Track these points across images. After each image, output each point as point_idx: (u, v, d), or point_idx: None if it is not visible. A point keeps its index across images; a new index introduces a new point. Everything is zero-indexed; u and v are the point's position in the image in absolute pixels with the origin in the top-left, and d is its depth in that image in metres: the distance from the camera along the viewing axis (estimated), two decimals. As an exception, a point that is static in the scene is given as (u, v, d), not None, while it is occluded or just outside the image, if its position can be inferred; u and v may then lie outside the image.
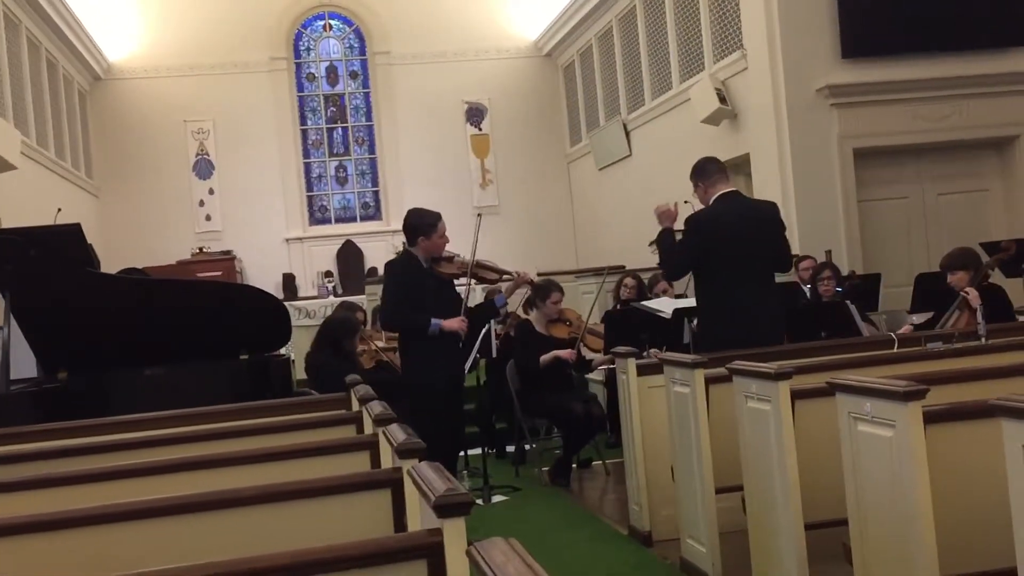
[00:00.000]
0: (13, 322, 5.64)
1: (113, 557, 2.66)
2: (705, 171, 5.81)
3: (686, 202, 11.02)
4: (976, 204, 10.07)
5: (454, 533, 2.10)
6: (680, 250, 5.81)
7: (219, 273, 14.43)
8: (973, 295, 6.02)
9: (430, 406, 5.96)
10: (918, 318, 6.90)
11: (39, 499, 3.15)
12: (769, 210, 5.88)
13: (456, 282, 6.38)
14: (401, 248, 6.42)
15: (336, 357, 6.94)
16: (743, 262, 5.55)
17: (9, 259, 5.44)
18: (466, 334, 6.21)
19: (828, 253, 8.98)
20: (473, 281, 6.41)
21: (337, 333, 7.16)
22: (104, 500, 2.91)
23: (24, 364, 5.92)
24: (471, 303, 6.54)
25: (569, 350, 7.43)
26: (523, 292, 7.87)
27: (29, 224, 8.12)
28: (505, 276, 6.51)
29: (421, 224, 6.12)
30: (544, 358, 7.38)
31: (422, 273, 6.12)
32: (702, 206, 5.84)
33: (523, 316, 8.13)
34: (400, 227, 6.62)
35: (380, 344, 8.03)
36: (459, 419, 6.54)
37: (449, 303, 6.20)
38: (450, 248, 6.29)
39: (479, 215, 6.35)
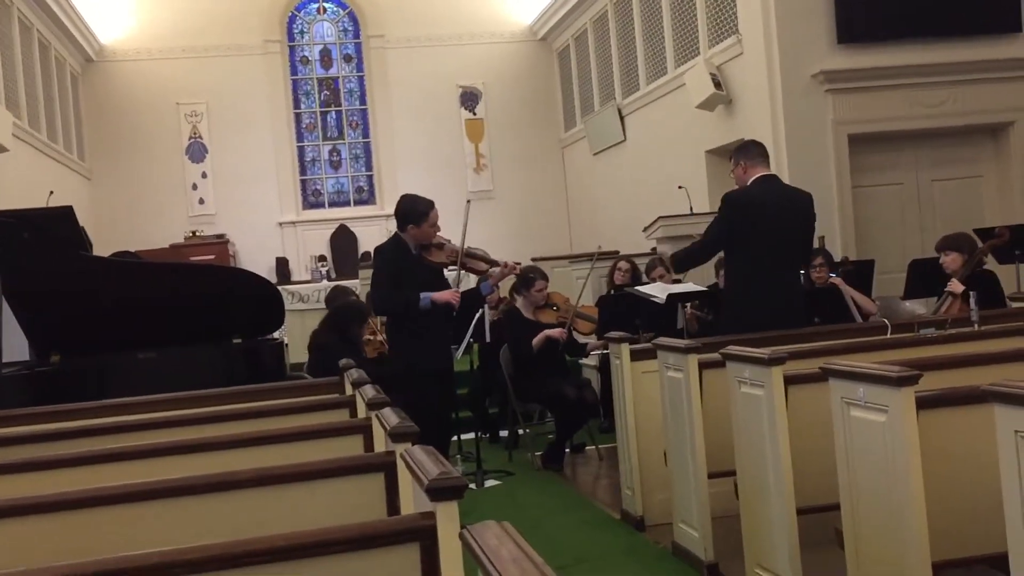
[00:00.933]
0: (5, 305, 5.62)
1: (106, 540, 2.66)
2: (748, 151, 5.80)
3: (680, 187, 11.06)
4: (970, 190, 10.07)
5: (447, 516, 2.11)
6: (715, 227, 5.79)
7: (212, 257, 14.39)
8: (955, 284, 6.06)
9: (420, 390, 5.95)
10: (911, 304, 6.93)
11: (31, 482, 3.15)
12: (805, 200, 5.83)
13: (446, 270, 6.35)
14: (393, 232, 6.39)
15: (342, 342, 6.93)
16: (775, 246, 5.57)
17: (1, 242, 5.42)
18: (457, 310, 6.18)
19: (821, 239, 8.97)
20: (462, 271, 6.38)
21: (347, 319, 7.14)
22: (97, 483, 2.91)
23: (16, 347, 5.91)
24: (463, 289, 6.52)
25: (559, 329, 7.45)
26: (511, 279, 7.87)
27: (21, 207, 8.10)
28: (494, 267, 6.48)
29: (412, 212, 6.08)
30: (536, 340, 7.39)
31: (410, 259, 6.09)
32: (736, 186, 5.81)
33: (512, 301, 8.13)
34: (393, 213, 6.60)
35: (382, 338, 7.99)
36: (450, 403, 6.54)
37: (437, 289, 6.15)
38: (442, 234, 6.26)
39: (468, 201, 6.31)
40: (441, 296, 6.02)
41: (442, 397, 6.20)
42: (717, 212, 5.86)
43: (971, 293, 5.21)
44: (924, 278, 7.04)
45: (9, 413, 4.32)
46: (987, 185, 10.12)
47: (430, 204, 6.10)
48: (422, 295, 5.98)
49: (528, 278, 7.60)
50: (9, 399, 5.10)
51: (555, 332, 7.42)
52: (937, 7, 9.43)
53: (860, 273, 7.91)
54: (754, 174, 5.72)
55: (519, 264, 6.94)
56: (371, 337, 7.79)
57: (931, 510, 3.18)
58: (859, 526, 3.50)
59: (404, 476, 2.69)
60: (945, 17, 9.45)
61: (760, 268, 5.57)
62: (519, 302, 7.73)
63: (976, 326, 4.95)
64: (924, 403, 3.20)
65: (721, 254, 6.18)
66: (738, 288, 5.73)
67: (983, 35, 9.57)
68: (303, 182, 17.11)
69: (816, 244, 8.66)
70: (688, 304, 6.94)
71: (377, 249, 6.55)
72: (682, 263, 6.22)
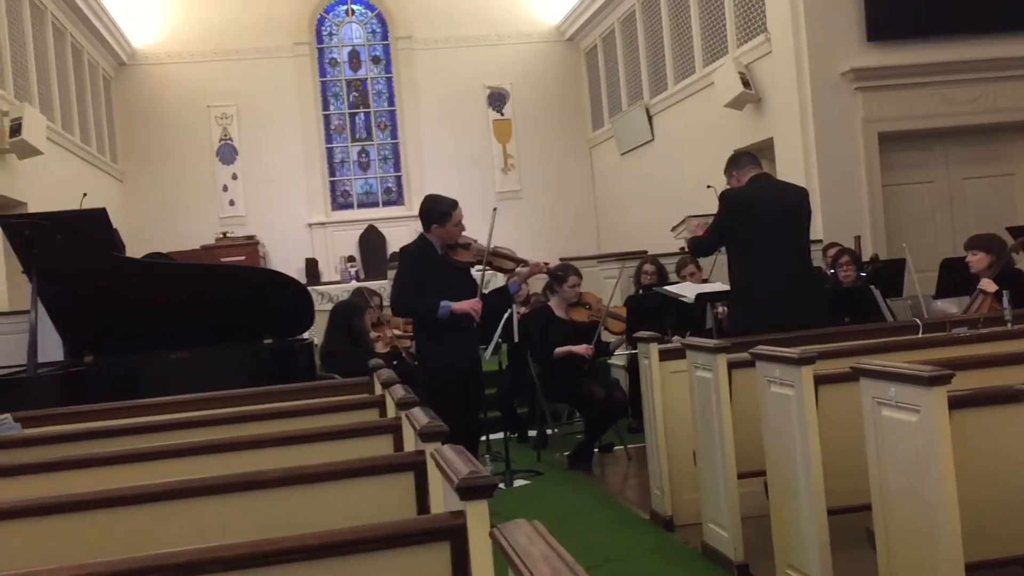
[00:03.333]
0: (40, 306, 5.69)
1: (137, 538, 2.68)
2: (737, 162, 6.04)
3: (708, 187, 11.02)
4: (1002, 188, 9.97)
5: (477, 515, 2.11)
6: (715, 224, 5.93)
7: (243, 258, 14.48)
8: (987, 283, 6.02)
9: (446, 390, 5.89)
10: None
11: (64, 480, 3.18)
12: (799, 193, 6.02)
13: (473, 269, 6.31)
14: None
15: (350, 341, 6.97)
16: (773, 237, 5.65)
17: (36, 244, 5.49)
18: (480, 317, 6.09)
19: (857, 239, 8.90)
20: (488, 269, 6.33)
21: (344, 317, 7.17)
22: (129, 482, 2.94)
23: (51, 348, 5.98)
24: (490, 289, 6.50)
25: (585, 346, 7.37)
26: (543, 278, 7.86)
27: (55, 209, 8.20)
28: (521, 266, 6.44)
29: (435, 211, 6.04)
30: (558, 351, 7.33)
31: (437, 259, 6.04)
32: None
33: (544, 299, 8.11)
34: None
35: (396, 332, 8.03)
36: (477, 403, 6.50)
37: (463, 289, 6.08)
38: (469, 234, 6.22)
39: (494, 209, 6.29)
40: (461, 306, 5.92)
41: (470, 397, 6.18)
42: (717, 211, 5.99)
43: (1004, 292, 5.17)
44: (956, 277, 6.98)
45: (44, 412, 4.37)
46: (1019, 182, 10.01)
47: (453, 203, 6.06)
48: (441, 304, 5.88)
49: (561, 274, 7.59)
50: (44, 399, 5.16)
51: (580, 349, 7.35)
52: (968, 3, 9.35)
53: (890, 272, 7.85)
54: (747, 177, 5.90)
55: (547, 263, 6.91)
56: (379, 334, 7.81)
57: (964, 510, 3.15)
58: (890, 527, 3.48)
59: (434, 475, 2.70)
60: (975, 13, 9.37)
61: (761, 259, 5.68)
62: (552, 301, 7.71)
63: (1009, 325, 4.90)
64: (956, 403, 3.18)
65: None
66: (743, 280, 5.83)
67: (1014, 32, 9.47)
68: (332, 183, 17.19)
69: (852, 244, 8.63)
70: (718, 304, 6.91)
71: (403, 249, 6.52)
72: (694, 249, 6.49)
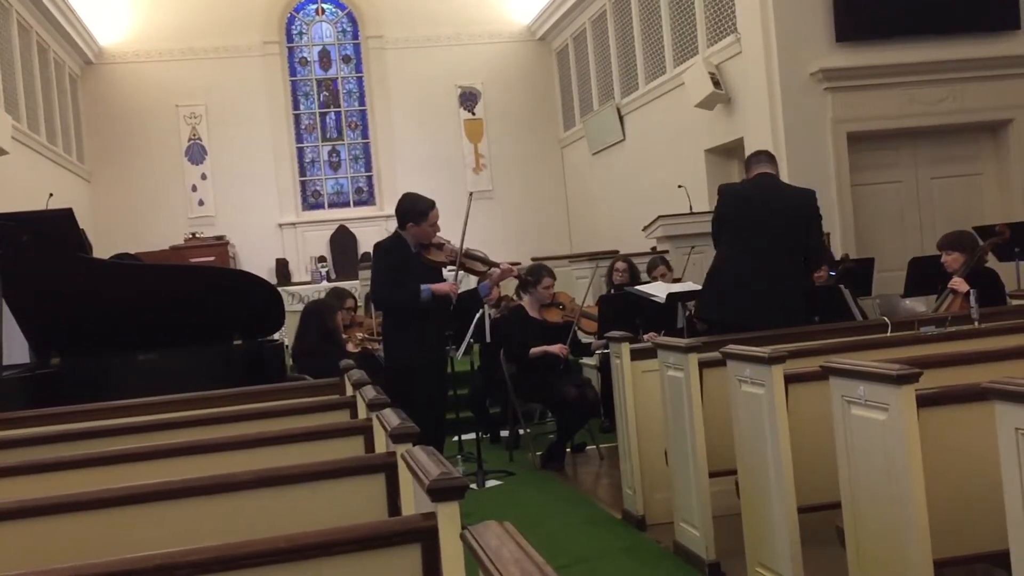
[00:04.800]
0: (5, 308, 5.62)
1: (107, 542, 2.66)
2: (752, 158, 6.15)
3: (680, 186, 11.07)
4: (970, 188, 10.06)
5: (448, 517, 2.11)
6: (713, 223, 6.08)
7: (212, 258, 14.39)
8: (958, 283, 6.06)
9: (414, 388, 5.97)
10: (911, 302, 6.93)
11: (32, 484, 3.15)
12: (800, 197, 5.98)
13: (444, 270, 6.40)
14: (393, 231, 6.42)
15: (322, 340, 6.95)
16: (754, 239, 5.67)
17: (1, 244, 5.42)
18: (455, 306, 6.31)
19: (827, 236, 8.95)
20: (460, 271, 6.42)
21: (317, 315, 7.15)
22: (98, 485, 2.91)
23: (16, 350, 5.91)
24: (461, 290, 6.56)
25: (560, 345, 7.40)
26: (514, 280, 7.88)
27: (20, 209, 8.10)
28: (492, 269, 6.51)
29: (413, 211, 6.13)
30: (534, 351, 7.36)
31: (410, 257, 6.16)
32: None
33: (516, 300, 8.12)
34: (393, 212, 6.62)
35: (363, 335, 8.01)
36: (444, 397, 6.54)
37: None
38: (442, 234, 6.29)
39: (470, 194, 6.36)
40: (441, 288, 6.13)
41: (436, 394, 6.23)
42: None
43: (971, 291, 5.21)
44: (924, 276, 7.04)
45: (10, 416, 4.32)
46: (987, 182, 10.11)
47: (431, 204, 6.15)
48: (423, 287, 6.07)
49: (536, 275, 7.60)
50: (10, 401, 5.10)
51: (555, 348, 7.38)
52: (936, 5, 9.43)
53: (860, 271, 7.90)
54: (751, 174, 6.00)
55: (518, 264, 6.96)
56: (348, 336, 7.78)
57: (932, 508, 3.18)
58: (860, 524, 3.50)
59: (405, 477, 2.69)
60: (944, 14, 9.45)
61: (738, 251, 5.75)
62: (525, 300, 7.72)
63: (976, 324, 4.95)
64: (924, 401, 3.20)
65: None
66: (715, 266, 5.98)
67: (982, 32, 9.57)
68: (303, 183, 17.12)
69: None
70: (689, 303, 6.93)
71: (377, 245, 6.55)
72: None
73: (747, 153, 10.28)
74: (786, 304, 5.75)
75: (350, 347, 7.61)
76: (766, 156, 6.12)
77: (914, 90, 9.57)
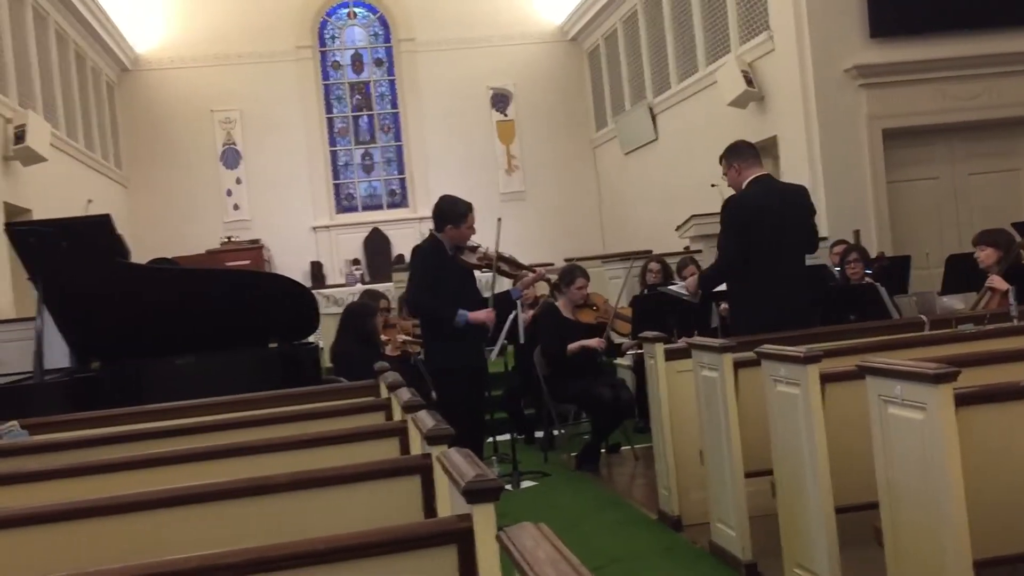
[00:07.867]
0: (46, 313, 5.70)
1: (146, 544, 2.69)
2: (740, 152, 5.73)
3: (713, 186, 11.02)
4: (1007, 183, 9.95)
5: (484, 518, 2.11)
6: (725, 242, 5.69)
7: (247, 262, 14.51)
8: (997, 281, 5.98)
9: (454, 389, 6.03)
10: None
11: (71, 487, 3.18)
12: (799, 194, 5.86)
13: (477, 272, 6.43)
14: (428, 233, 6.45)
15: (360, 343, 6.98)
16: (777, 247, 5.52)
17: (41, 250, 5.50)
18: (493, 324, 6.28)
19: (856, 233, 8.90)
20: (495, 274, 6.44)
21: (357, 318, 7.18)
22: (136, 488, 2.94)
23: (57, 354, 5.99)
24: (496, 291, 6.56)
25: (598, 339, 7.40)
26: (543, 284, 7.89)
27: (60, 215, 8.21)
28: (524, 271, 6.57)
29: (452, 212, 6.16)
30: (571, 347, 7.35)
31: (446, 260, 6.18)
32: (731, 188, 5.83)
33: (550, 300, 8.11)
34: (427, 214, 6.67)
35: (405, 337, 8.02)
36: (482, 403, 6.58)
37: (471, 289, 6.30)
38: (473, 238, 6.32)
39: (499, 219, 6.34)
40: (477, 316, 6.07)
41: (475, 397, 6.26)
42: (720, 223, 5.75)
43: (1011, 288, 5.15)
44: (961, 273, 6.96)
45: (51, 419, 4.37)
46: (1024, 178, 10.00)
47: (469, 206, 6.20)
48: (459, 313, 6.02)
49: (569, 276, 7.60)
50: (51, 406, 5.16)
51: (593, 342, 7.37)
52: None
53: (896, 269, 7.84)
54: (749, 176, 5.65)
55: (551, 265, 6.97)
56: (388, 338, 7.81)
57: (971, 507, 3.15)
58: (898, 524, 3.47)
59: (440, 479, 2.70)
60: (978, 9, 9.36)
61: (763, 270, 5.51)
62: (559, 301, 7.72)
63: (1015, 321, 4.89)
64: (962, 400, 3.17)
65: None
66: (742, 291, 5.69)
67: (1016, 26, 9.46)
68: (336, 186, 17.22)
69: (852, 240, 8.62)
70: (722, 303, 6.90)
71: (416, 248, 6.59)
72: (706, 286, 6.02)
73: (781, 152, 10.26)
74: (810, 306, 5.72)
75: (390, 350, 7.62)
76: (753, 152, 5.76)
77: (949, 85, 9.48)
